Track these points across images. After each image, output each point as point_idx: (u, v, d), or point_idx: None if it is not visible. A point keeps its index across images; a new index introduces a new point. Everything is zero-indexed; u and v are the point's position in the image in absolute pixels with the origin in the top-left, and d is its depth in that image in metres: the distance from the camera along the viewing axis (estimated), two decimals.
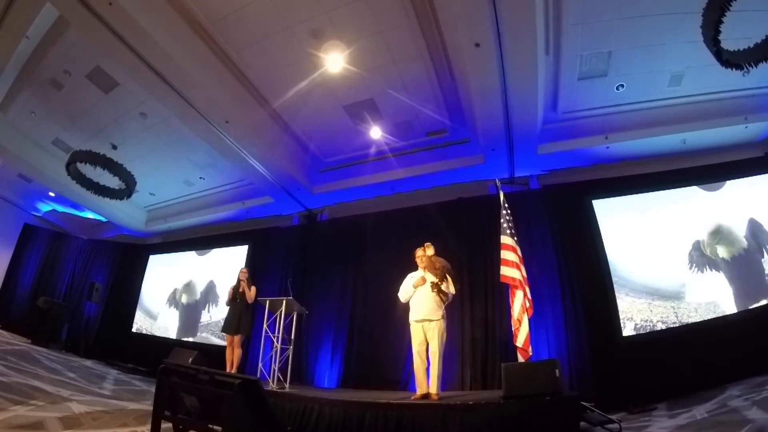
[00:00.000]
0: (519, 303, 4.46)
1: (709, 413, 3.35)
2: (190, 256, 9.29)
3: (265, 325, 5.27)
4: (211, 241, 9.03)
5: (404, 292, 4.45)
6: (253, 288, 5.73)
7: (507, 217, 4.85)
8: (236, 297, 5.66)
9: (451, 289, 4.32)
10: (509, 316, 4.69)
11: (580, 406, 3.52)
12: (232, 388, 2.21)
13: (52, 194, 8.72)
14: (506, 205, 4.94)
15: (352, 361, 6.20)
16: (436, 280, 4.22)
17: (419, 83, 5.30)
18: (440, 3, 4.11)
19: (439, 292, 4.19)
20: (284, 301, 5.16)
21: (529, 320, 4.45)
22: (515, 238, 4.74)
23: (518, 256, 4.66)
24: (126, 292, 9.65)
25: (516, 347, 4.36)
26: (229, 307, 5.74)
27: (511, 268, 4.58)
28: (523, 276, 4.57)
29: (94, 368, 6.96)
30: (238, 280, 5.72)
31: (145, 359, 7.55)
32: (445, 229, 6.14)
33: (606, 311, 5.19)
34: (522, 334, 4.34)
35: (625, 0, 4.14)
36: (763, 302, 4.65)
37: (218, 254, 8.85)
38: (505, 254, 4.67)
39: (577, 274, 5.40)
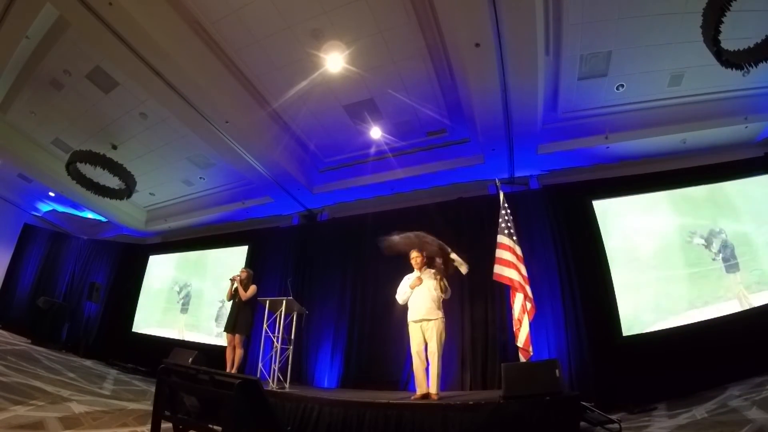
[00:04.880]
0: (519, 304, 4.48)
1: (709, 413, 3.35)
2: (190, 255, 9.29)
3: (265, 325, 5.27)
4: (211, 241, 9.03)
5: (401, 294, 4.46)
6: (253, 287, 5.71)
7: (506, 217, 4.86)
8: (234, 296, 5.67)
9: (461, 269, 4.33)
10: (510, 316, 4.70)
11: (580, 406, 3.52)
12: (232, 388, 2.21)
13: (52, 194, 8.71)
14: (506, 205, 4.95)
15: (352, 361, 6.20)
16: (435, 271, 4.23)
17: (419, 83, 5.30)
18: (440, 3, 4.10)
19: (442, 279, 4.22)
20: (284, 301, 5.16)
21: (530, 321, 4.47)
22: (514, 238, 4.75)
23: (516, 255, 4.67)
24: (126, 292, 9.64)
25: (517, 347, 4.38)
26: (230, 307, 5.75)
27: (507, 267, 4.60)
28: (522, 275, 4.58)
29: (94, 368, 6.97)
30: (232, 279, 5.72)
31: (145, 359, 7.54)
32: (445, 229, 6.14)
33: (606, 311, 5.20)
34: (522, 335, 4.36)
35: (625, 0, 4.14)
36: (763, 302, 4.64)
37: (218, 254, 8.85)
38: (501, 253, 4.70)
39: (577, 274, 5.40)
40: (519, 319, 4.43)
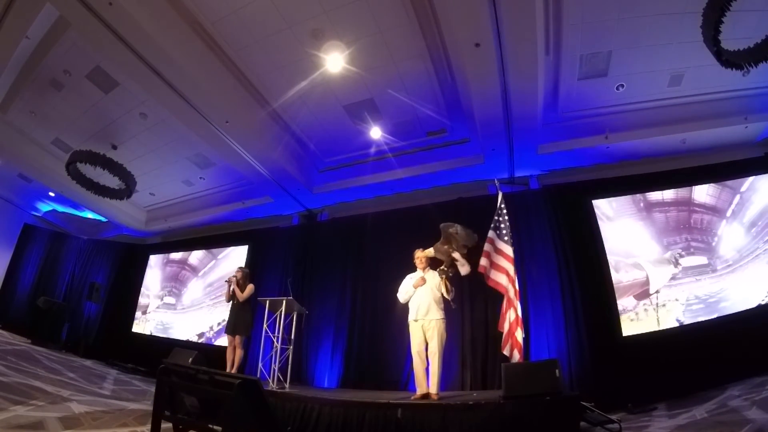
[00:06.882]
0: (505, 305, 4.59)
1: (709, 413, 3.35)
2: (190, 255, 9.29)
3: (265, 325, 5.27)
4: (211, 241, 9.03)
5: (403, 293, 4.45)
6: (250, 286, 5.69)
7: (499, 217, 4.86)
8: (233, 297, 5.66)
9: (461, 270, 4.31)
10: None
11: (580, 406, 3.52)
12: (232, 388, 2.21)
13: (52, 194, 8.72)
14: (502, 206, 4.94)
15: (352, 361, 6.20)
16: (443, 267, 4.23)
17: (419, 83, 5.29)
18: (440, 3, 4.10)
19: (447, 279, 4.22)
20: (284, 301, 5.15)
21: (513, 324, 4.49)
22: (506, 239, 4.75)
23: (504, 255, 4.68)
24: (126, 292, 9.65)
25: (513, 348, 4.40)
26: (230, 308, 5.74)
27: (495, 270, 4.69)
28: (510, 278, 4.58)
29: (94, 368, 6.96)
30: (228, 281, 5.71)
31: (145, 359, 7.54)
32: None
33: (606, 311, 5.19)
34: (514, 339, 4.41)
35: (625, 0, 4.14)
36: (763, 302, 4.64)
37: (218, 254, 8.85)
38: (489, 250, 4.84)
39: (577, 274, 5.40)
40: (510, 329, 4.44)
